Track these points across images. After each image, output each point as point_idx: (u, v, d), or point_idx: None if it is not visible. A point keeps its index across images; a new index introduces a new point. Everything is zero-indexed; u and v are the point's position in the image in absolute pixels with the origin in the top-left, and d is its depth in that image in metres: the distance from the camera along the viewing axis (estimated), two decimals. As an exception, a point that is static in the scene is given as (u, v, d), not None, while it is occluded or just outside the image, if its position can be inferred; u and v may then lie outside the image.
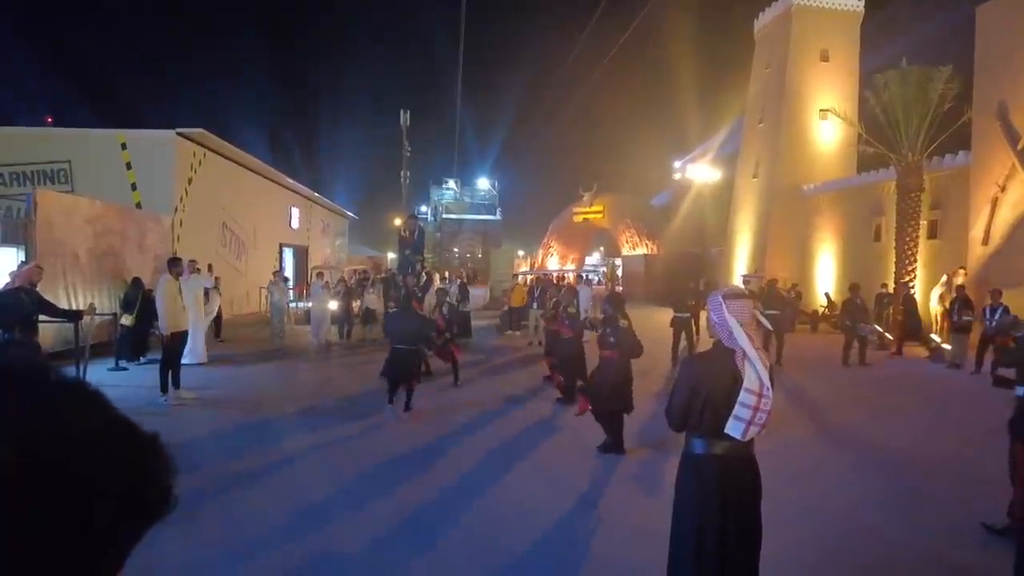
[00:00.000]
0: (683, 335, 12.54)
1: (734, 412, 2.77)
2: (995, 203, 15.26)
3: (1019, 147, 14.75)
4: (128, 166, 16.92)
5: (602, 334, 6.69)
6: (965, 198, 16.26)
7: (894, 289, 16.45)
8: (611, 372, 6.45)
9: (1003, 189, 15.06)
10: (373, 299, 16.55)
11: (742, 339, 2.82)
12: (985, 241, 15.50)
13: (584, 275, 26.79)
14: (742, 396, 2.76)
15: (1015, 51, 14.99)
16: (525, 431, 7.51)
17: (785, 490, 5.23)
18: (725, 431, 2.81)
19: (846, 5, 25.52)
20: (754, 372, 2.78)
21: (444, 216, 66.15)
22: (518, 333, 17.32)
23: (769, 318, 11.46)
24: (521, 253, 56.96)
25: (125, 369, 10.77)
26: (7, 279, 7.17)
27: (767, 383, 2.79)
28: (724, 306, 2.88)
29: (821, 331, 19.59)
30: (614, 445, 6.43)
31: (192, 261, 11.45)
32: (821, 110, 24.72)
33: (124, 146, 16.96)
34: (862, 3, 25.62)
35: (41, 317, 6.71)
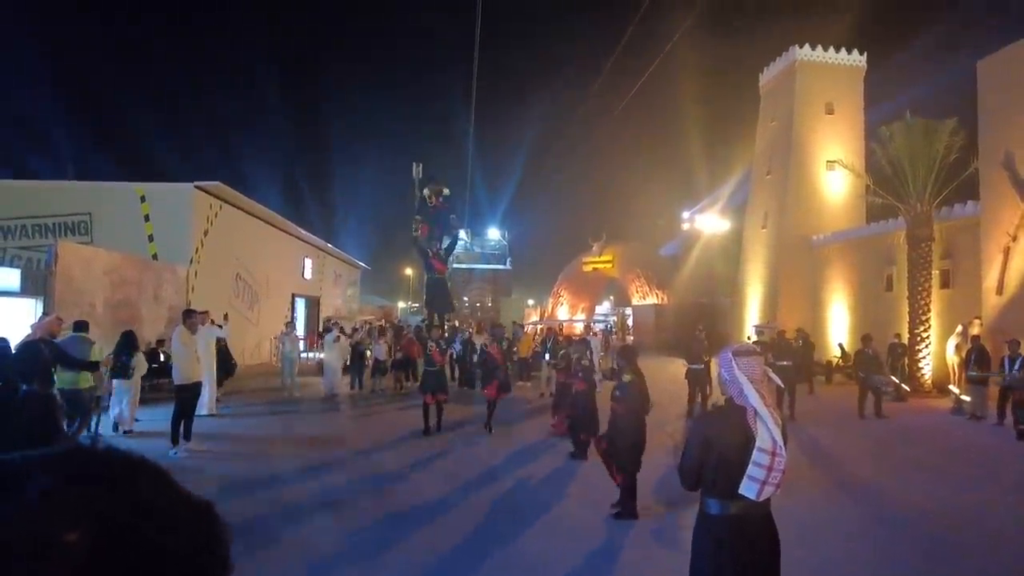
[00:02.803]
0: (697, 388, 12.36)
1: (748, 472, 2.74)
2: (1007, 252, 15.21)
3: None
4: (146, 218, 17.32)
5: (613, 388, 6.67)
6: (976, 247, 16.21)
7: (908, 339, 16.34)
8: (619, 428, 6.35)
9: (1014, 239, 15.04)
10: (383, 350, 16.47)
11: (753, 397, 2.81)
12: (999, 291, 15.39)
13: (606, 326, 26.47)
14: (755, 456, 2.73)
15: (1017, 103, 15.19)
16: (538, 486, 7.41)
17: (801, 547, 5.11)
18: (739, 492, 2.77)
19: (848, 60, 26.13)
20: (766, 431, 2.76)
21: (455, 266, 66.78)
22: (528, 384, 17.19)
23: (781, 369, 11.31)
24: (531, 302, 56.99)
25: (137, 420, 10.77)
26: (28, 330, 7.28)
27: (780, 441, 2.76)
28: (734, 363, 2.88)
29: (836, 382, 19.35)
30: (625, 508, 6.15)
31: (204, 313, 11.58)
32: (828, 161, 24.98)
33: (143, 198, 17.38)
34: (864, 57, 26.21)
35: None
